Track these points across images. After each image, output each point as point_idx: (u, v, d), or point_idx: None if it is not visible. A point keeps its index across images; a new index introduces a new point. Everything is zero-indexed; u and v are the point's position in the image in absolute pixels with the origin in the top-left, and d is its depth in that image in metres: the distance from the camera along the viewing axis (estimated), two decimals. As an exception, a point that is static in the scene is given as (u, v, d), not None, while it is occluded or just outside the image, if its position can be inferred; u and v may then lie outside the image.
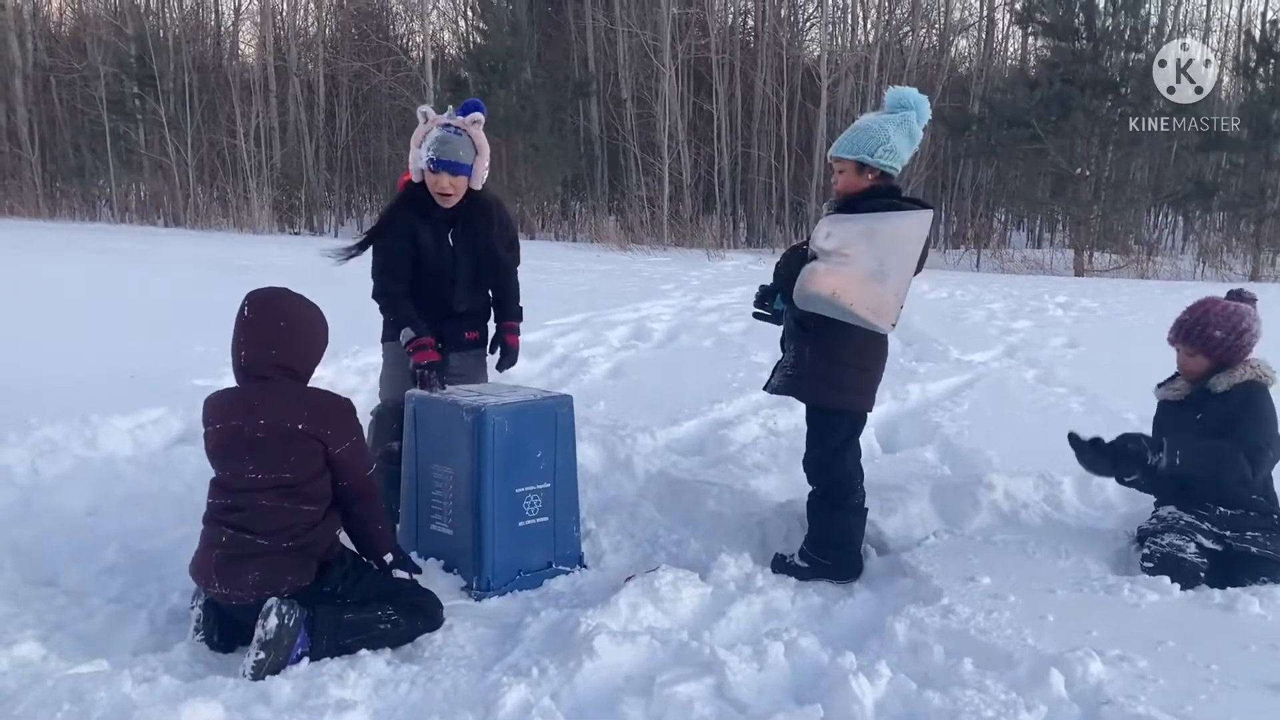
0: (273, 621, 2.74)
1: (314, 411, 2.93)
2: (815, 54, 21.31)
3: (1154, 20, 18.18)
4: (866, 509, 3.68)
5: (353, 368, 6.11)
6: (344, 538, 3.12)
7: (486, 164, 3.81)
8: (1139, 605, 3.05)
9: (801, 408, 3.73)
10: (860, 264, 3.26)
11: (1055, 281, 14.21)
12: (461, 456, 3.44)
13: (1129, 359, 6.41)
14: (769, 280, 3.67)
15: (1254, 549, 3.35)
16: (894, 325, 3.39)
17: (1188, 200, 17.30)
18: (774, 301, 3.64)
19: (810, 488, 3.67)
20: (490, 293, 4.10)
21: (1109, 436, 3.54)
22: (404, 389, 3.71)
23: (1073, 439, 3.56)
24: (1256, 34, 16.41)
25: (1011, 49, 23.94)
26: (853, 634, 3.09)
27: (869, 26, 21.82)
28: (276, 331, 2.96)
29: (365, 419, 4.18)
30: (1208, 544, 3.37)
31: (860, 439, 3.67)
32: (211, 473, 3.01)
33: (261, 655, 2.71)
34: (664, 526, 3.93)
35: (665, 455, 4.83)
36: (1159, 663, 2.64)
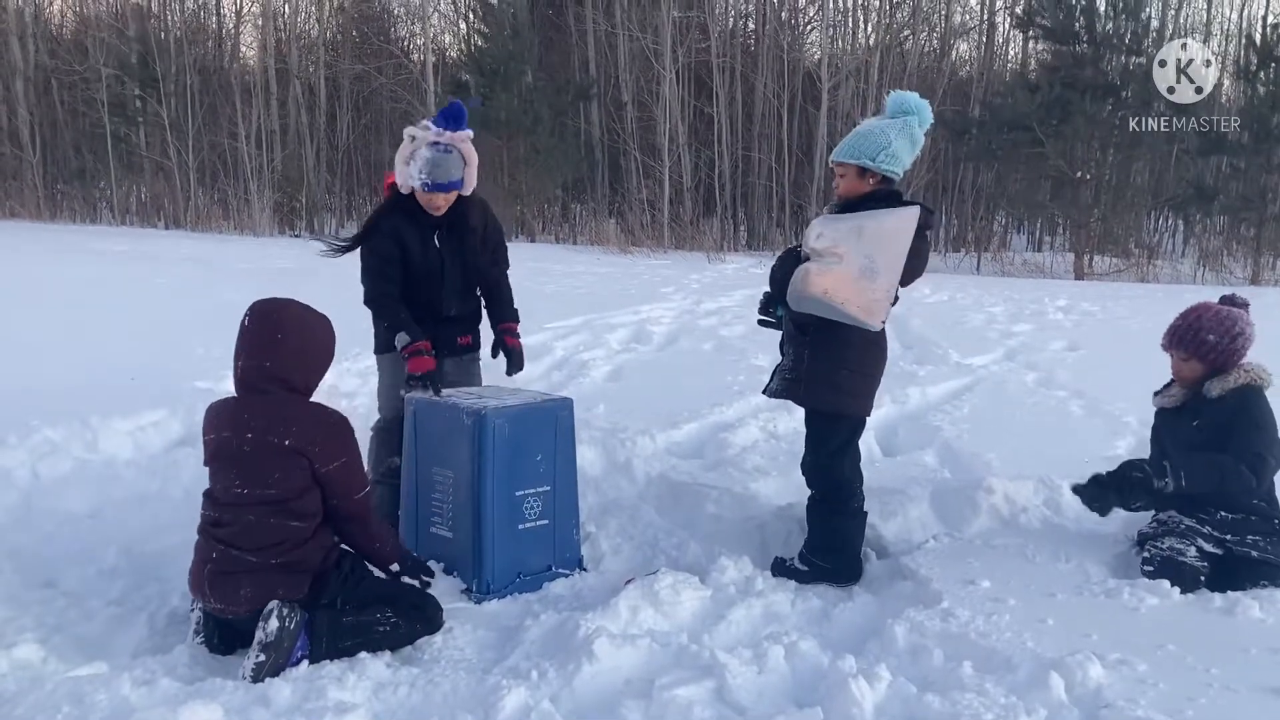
0: (274, 624, 2.73)
1: (302, 427, 2.87)
2: (816, 57, 21.31)
3: (1154, 24, 18.21)
4: (866, 512, 3.69)
5: (353, 370, 6.11)
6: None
7: (475, 171, 3.78)
8: (1139, 609, 3.05)
9: (801, 411, 3.73)
10: (851, 263, 3.28)
11: (1055, 285, 14.20)
12: (461, 459, 3.44)
13: (1129, 362, 6.41)
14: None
15: (1254, 553, 3.35)
16: (883, 323, 3.39)
17: (1188, 204, 17.27)
18: (776, 308, 3.65)
19: (810, 491, 3.67)
20: (482, 297, 4.09)
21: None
22: (403, 403, 3.71)
23: (1074, 489, 3.57)
24: (1257, 38, 16.41)
25: (1012, 53, 23.95)
26: (852, 637, 3.09)
27: (869, 30, 21.84)
28: (273, 344, 2.91)
29: (366, 423, 4.20)
30: (1208, 548, 3.36)
31: (860, 442, 3.68)
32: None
33: (262, 657, 2.71)
34: (664, 529, 3.93)
35: (665, 458, 4.84)
36: (1159, 666, 2.64)
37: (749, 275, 13.99)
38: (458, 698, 2.64)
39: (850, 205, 3.45)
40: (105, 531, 3.72)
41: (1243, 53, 18.20)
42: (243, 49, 25.79)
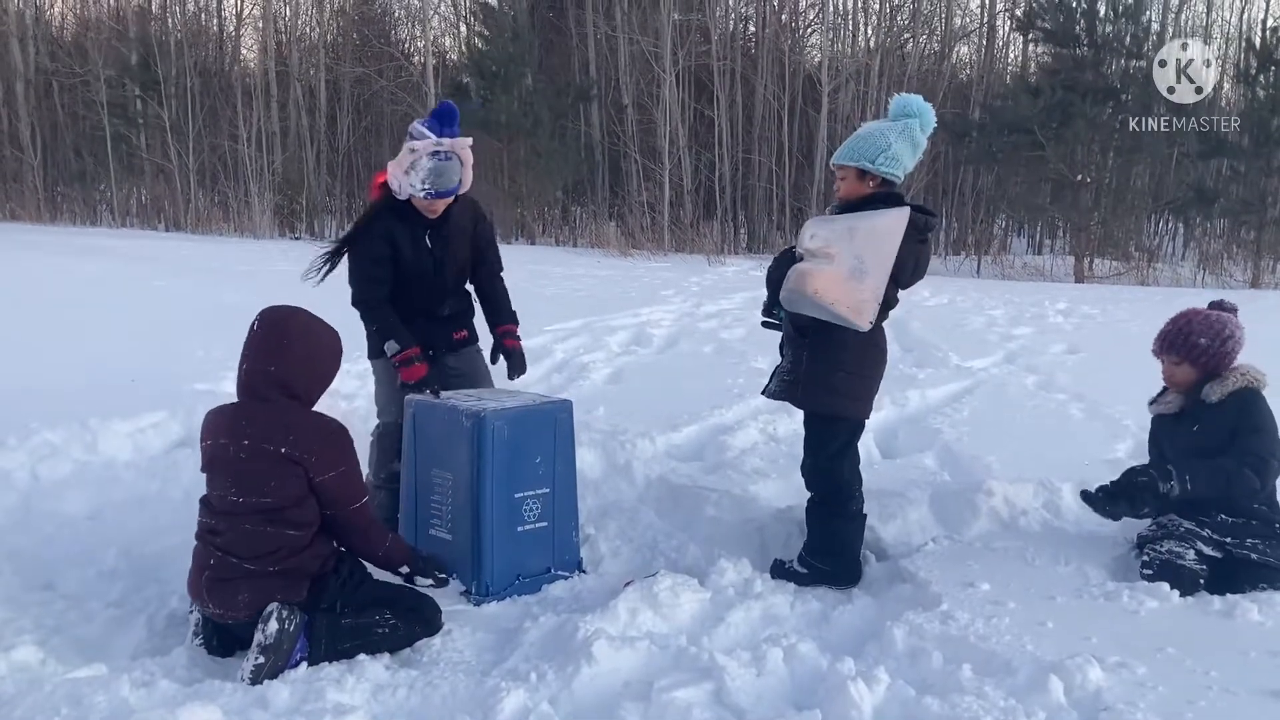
0: (273, 626, 2.73)
1: (300, 435, 2.86)
2: (816, 60, 21.33)
3: (1155, 27, 18.21)
4: (865, 515, 3.69)
5: (352, 372, 6.08)
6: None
7: (470, 170, 3.77)
8: (1138, 612, 3.05)
9: (801, 414, 3.73)
10: (842, 263, 3.29)
11: (1056, 288, 14.20)
12: (461, 461, 3.44)
13: (1129, 366, 6.40)
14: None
15: (1254, 556, 3.35)
16: (871, 323, 3.38)
17: (1188, 207, 17.26)
18: (779, 310, 3.65)
19: (809, 494, 3.67)
20: (476, 297, 4.09)
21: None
22: (401, 407, 3.71)
23: (1083, 496, 3.56)
24: (1257, 41, 16.41)
25: (1012, 56, 23.94)
26: (851, 640, 3.09)
27: (870, 33, 21.86)
28: (279, 350, 2.90)
29: (365, 425, 4.21)
30: (1207, 551, 3.36)
31: (859, 445, 3.68)
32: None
33: (261, 659, 2.71)
34: (663, 532, 3.93)
35: (665, 461, 4.84)
36: (1158, 669, 2.64)
37: (749, 278, 13.98)
38: (456, 700, 2.64)
39: (851, 208, 3.45)
40: (104, 533, 3.72)
41: (1242, 56, 18.20)
42: (243, 51, 25.83)
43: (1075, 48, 16.33)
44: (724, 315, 9.86)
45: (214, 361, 6.11)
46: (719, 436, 5.23)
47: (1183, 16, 22.55)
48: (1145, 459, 3.82)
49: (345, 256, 3.82)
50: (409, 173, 3.64)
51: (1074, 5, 16.17)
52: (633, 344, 8.29)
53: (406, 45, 25.95)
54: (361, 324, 3.87)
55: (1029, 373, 7.17)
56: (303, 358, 2.93)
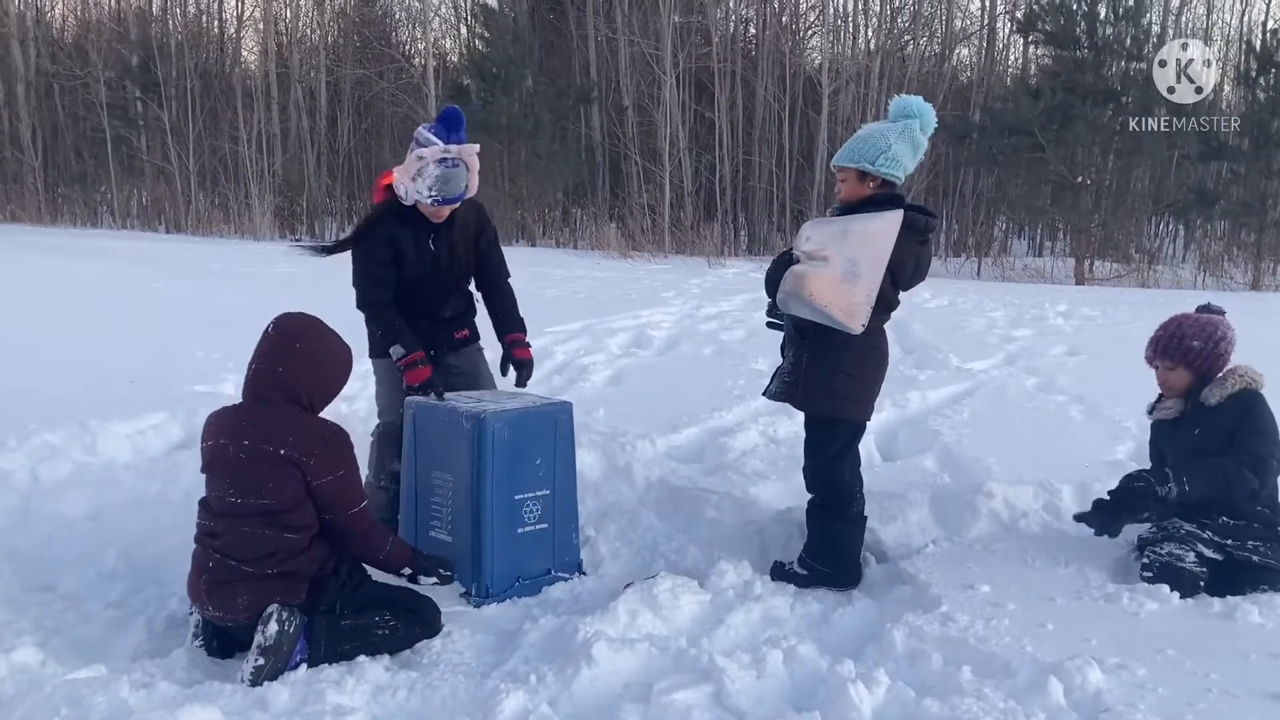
0: (273, 627, 2.73)
1: (299, 438, 2.86)
2: (817, 62, 21.34)
3: (1155, 29, 18.22)
4: (865, 517, 3.68)
5: (354, 373, 6.08)
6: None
7: (476, 175, 3.77)
8: (1138, 614, 3.05)
9: (801, 415, 3.73)
10: (835, 265, 3.31)
11: (1056, 290, 14.20)
12: (461, 463, 3.44)
13: (1129, 368, 6.40)
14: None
15: (1255, 558, 3.34)
16: (864, 326, 3.38)
17: (1189, 209, 17.27)
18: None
19: (809, 496, 3.67)
20: (483, 302, 4.09)
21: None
22: (402, 408, 3.71)
23: (1077, 518, 3.53)
24: (1257, 43, 16.42)
25: (1013, 58, 23.95)
26: (851, 642, 3.09)
27: (870, 35, 21.88)
28: (289, 352, 2.92)
29: (366, 426, 4.21)
30: (1208, 553, 3.36)
31: (860, 447, 3.67)
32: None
33: (261, 661, 2.71)
34: (663, 534, 3.93)
35: (665, 462, 4.83)
36: (1158, 671, 2.64)
37: (749, 280, 13.97)
38: (456, 701, 2.63)
39: (852, 209, 3.45)
40: (104, 535, 3.72)
41: (1242, 58, 18.20)
42: (244, 53, 25.84)
43: (1076, 50, 16.35)
44: (724, 317, 9.86)
45: (214, 363, 6.12)
46: (719, 438, 5.22)
47: (1183, 19, 22.59)
48: (1145, 461, 3.82)
49: (350, 256, 3.83)
50: (416, 179, 3.63)
51: (1074, 7, 16.19)
52: (633, 346, 8.29)
53: (407, 47, 25.99)
54: (364, 323, 3.87)
55: (1029, 375, 7.16)
56: (311, 363, 2.94)
